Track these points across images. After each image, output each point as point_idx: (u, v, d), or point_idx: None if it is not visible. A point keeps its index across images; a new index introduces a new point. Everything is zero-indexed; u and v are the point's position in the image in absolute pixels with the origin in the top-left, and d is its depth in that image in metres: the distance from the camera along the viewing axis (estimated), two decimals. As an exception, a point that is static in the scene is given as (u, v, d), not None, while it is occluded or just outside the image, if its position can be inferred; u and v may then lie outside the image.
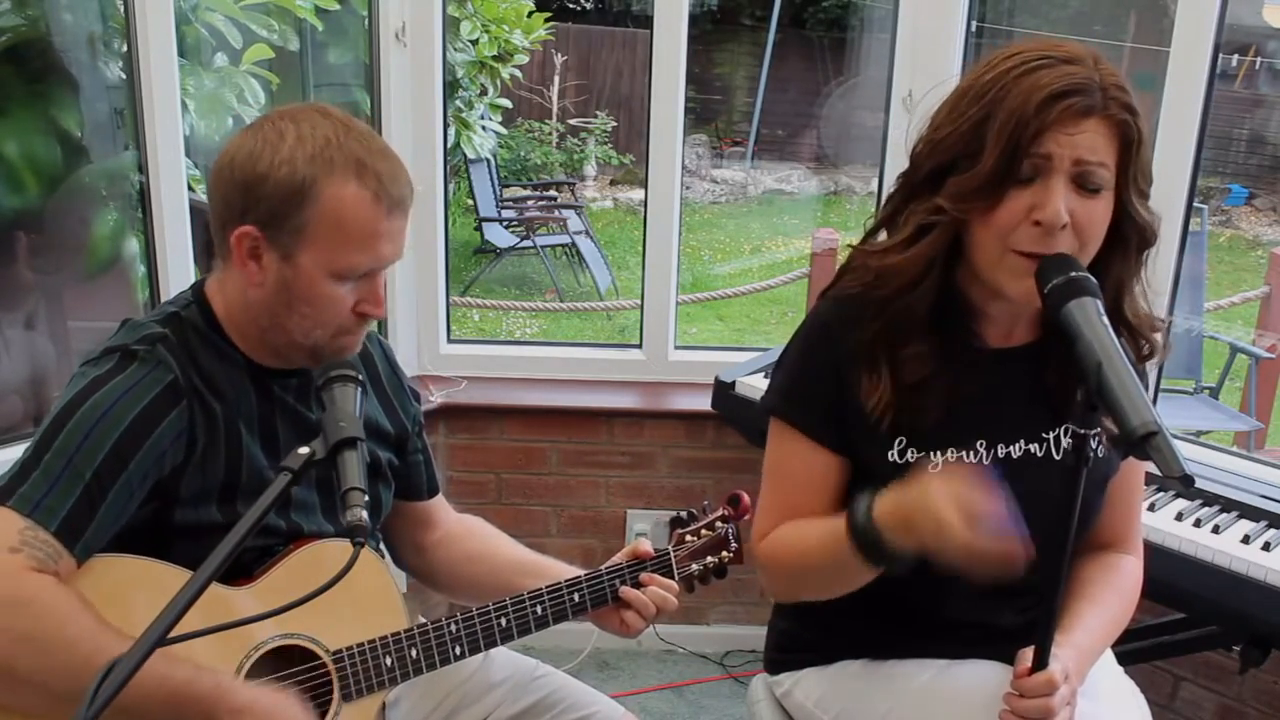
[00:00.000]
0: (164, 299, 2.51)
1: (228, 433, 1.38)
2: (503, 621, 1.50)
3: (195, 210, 2.59)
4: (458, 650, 1.48)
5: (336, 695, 1.42)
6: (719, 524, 1.64)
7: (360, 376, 1.25)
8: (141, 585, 1.31)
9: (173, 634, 0.99)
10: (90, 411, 1.29)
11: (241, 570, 1.39)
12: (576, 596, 1.53)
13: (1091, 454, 1.18)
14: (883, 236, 1.41)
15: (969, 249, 1.32)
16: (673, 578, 1.60)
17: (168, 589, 1.04)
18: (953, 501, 1.17)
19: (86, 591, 1.27)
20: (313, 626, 1.41)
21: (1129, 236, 1.33)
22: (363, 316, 1.37)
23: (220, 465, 1.37)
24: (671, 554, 1.61)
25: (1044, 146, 1.24)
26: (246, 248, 1.34)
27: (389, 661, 1.44)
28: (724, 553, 1.64)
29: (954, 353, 1.36)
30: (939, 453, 1.38)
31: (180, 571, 1.31)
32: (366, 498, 1.11)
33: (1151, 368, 1.49)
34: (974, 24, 2.79)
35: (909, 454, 1.38)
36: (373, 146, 1.35)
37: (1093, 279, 1.23)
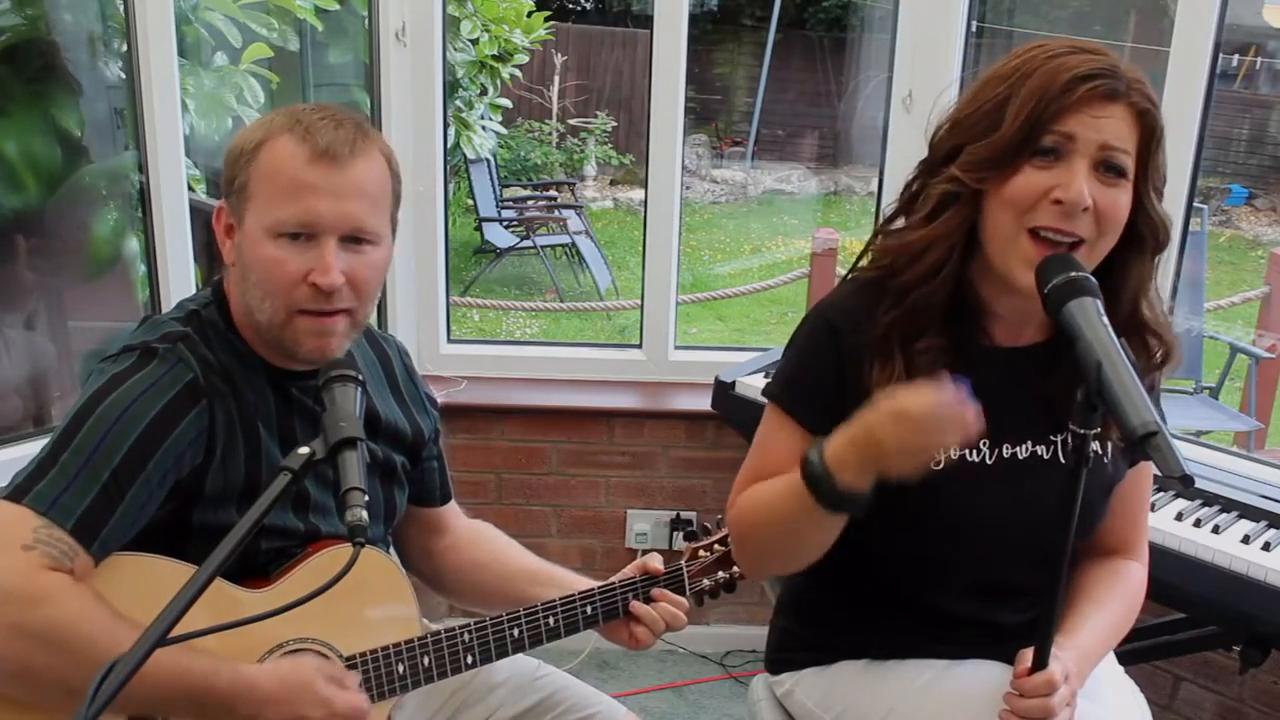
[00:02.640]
0: (164, 299, 2.52)
1: (247, 433, 1.36)
2: (515, 632, 1.50)
3: (195, 210, 2.59)
4: (469, 659, 1.47)
5: None
6: (730, 540, 1.64)
7: (360, 376, 1.24)
8: (159, 584, 1.29)
9: (174, 633, 0.99)
10: (109, 410, 1.28)
11: (259, 572, 1.39)
12: (589, 609, 1.54)
13: (1092, 455, 1.17)
14: (901, 224, 1.40)
15: (984, 233, 1.32)
16: (684, 593, 1.60)
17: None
18: (902, 398, 1.19)
19: (103, 588, 1.26)
20: (328, 631, 1.40)
21: (1144, 236, 1.33)
22: (315, 289, 1.32)
23: (240, 466, 1.35)
24: (684, 570, 1.61)
25: (1070, 126, 1.25)
26: (223, 225, 1.37)
27: (401, 669, 1.43)
28: (734, 568, 1.64)
29: (963, 349, 1.36)
30: (941, 450, 1.37)
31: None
32: (366, 498, 1.10)
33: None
34: (974, 24, 2.79)
35: None
36: (327, 113, 1.34)
37: (1093, 279, 1.22)
